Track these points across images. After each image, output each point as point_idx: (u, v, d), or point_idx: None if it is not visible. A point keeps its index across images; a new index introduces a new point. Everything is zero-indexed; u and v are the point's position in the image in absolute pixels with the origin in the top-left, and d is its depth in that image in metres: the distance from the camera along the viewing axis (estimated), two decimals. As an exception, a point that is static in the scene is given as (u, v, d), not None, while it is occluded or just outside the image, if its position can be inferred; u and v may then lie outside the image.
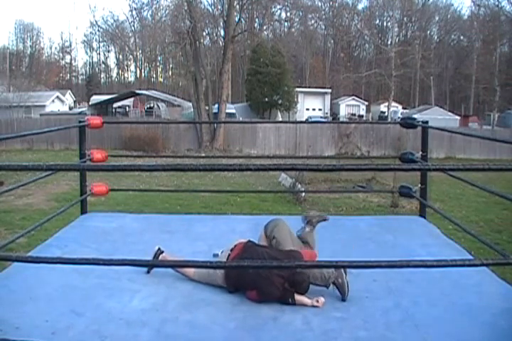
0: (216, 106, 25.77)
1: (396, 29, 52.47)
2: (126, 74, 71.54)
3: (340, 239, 4.14)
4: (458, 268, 2.49)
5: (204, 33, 32.85)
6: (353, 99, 46.31)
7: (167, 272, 3.27)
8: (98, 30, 65.65)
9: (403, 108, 45.16)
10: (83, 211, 4.74)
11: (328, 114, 42.66)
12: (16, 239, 3.92)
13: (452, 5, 63.89)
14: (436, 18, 54.32)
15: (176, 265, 3.11)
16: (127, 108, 40.84)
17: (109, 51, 70.87)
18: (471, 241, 5.79)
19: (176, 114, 37.72)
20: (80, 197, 4.71)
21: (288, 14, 47.73)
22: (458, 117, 39.13)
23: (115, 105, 38.81)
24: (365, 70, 49.38)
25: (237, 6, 25.01)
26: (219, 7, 28.15)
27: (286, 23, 53.00)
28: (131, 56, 65.55)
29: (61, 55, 70.27)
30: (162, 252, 3.33)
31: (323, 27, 58.76)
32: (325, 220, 3.54)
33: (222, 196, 11.79)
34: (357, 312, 2.86)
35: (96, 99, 40.53)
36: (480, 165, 1.67)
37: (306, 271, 2.96)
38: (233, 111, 33.53)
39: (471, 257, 3.82)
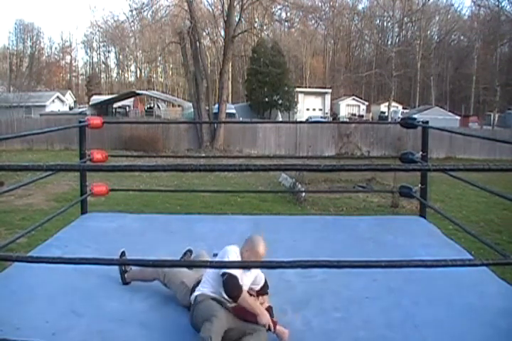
0: (216, 106, 25.77)
1: (396, 29, 52.47)
2: (126, 75, 71.61)
3: (340, 239, 4.14)
4: (458, 268, 2.49)
5: (204, 33, 32.82)
6: (353, 99, 46.31)
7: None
8: (98, 31, 65.73)
9: (403, 108, 45.15)
10: (83, 211, 4.74)
11: (328, 114, 42.65)
12: (16, 239, 3.92)
13: (452, 5, 63.69)
14: (437, 18, 54.29)
15: (176, 265, 3.11)
16: (127, 108, 40.82)
17: (109, 51, 70.96)
18: (471, 241, 5.79)
19: (176, 114, 37.73)
20: (80, 197, 4.71)
21: (288, 14, 47.71)
22: (458, 117, 39.10)
23: (115, 105, 38.80)
24: (365, 70, 49.39)
25: (238, 6, 24.99)
26: (219, 7, 28.08)
27: (286, 23, 52.98)
28: (131, 56, 65.57)
29: (61, 55, 70.38)
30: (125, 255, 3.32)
31: (323, 27, 58.78)
32: None
33: (222, 196, 11.79)
34: (357, 312, 2.86)
35: (96, 99, 40.53)
36: (480, 165, 1.67)
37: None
38: (233, 111, 33.51)
39: (471, 257, 3.82)
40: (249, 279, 2.88)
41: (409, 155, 4.60)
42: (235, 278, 2.69)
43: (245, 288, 2.81)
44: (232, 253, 2.84)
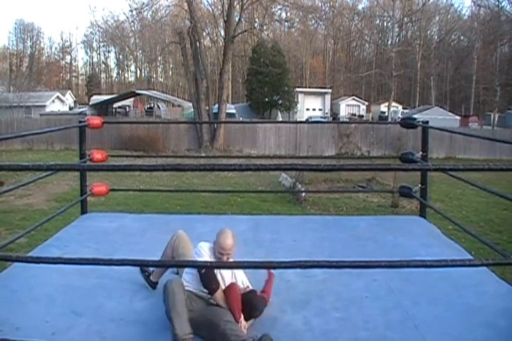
0: (216, 106, 25.78)
1: (396, 29, 52.46)
2: (126, 74, 71.68)
3: (340, 239, 4.14)
4: (458, 268, 2.49)
5: (204, 33, 32.80)
6: (353, 99, 46.31)
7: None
8: (98, 31, 65.68)
9: (403, 108, 45.15)
10: (83, 211, 4.74)
11: (328, 114, 42.65)
12: (16, 239, 3.92)
13: (452, 5, 63.79)
14: (437, 18, 54.32)
15: (176, 265, 3.11)
16: (127, 108, 40.83)
17: (109, 51, 71.03)
18: (471, 241, 5.79)
19: (176, 114, 37.73)
20: (80, 197, 4.72)
21: (288, 14, 47.70)
22: (458, 117, 39.08)
23: (115, 105, 38.80)
24: (365, 70, 49.39)
25: (238, 6, 24.98)
26: (219, 7, 28.07)
27: (286, 23, 52.98)
28: (131, 56, 65.57)
29: (61, 55, 70.42)
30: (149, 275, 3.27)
31: (323, 27, 58.79)
32: None
33: (222, 196, 11.79)
34: (357, 312, 2.86)
35: (96, 99, 40.53)
36: (480, 165, 1.67)
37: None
38: (233, 111, 33.52)
39: (471, 257, 3.82)
40: (227, 274, 2.93)
41: (409, 155, 4.60)
42: (212, 271, 2.80)
43: (226, 283, 2.87)
44: (203, 247, 2.96)
